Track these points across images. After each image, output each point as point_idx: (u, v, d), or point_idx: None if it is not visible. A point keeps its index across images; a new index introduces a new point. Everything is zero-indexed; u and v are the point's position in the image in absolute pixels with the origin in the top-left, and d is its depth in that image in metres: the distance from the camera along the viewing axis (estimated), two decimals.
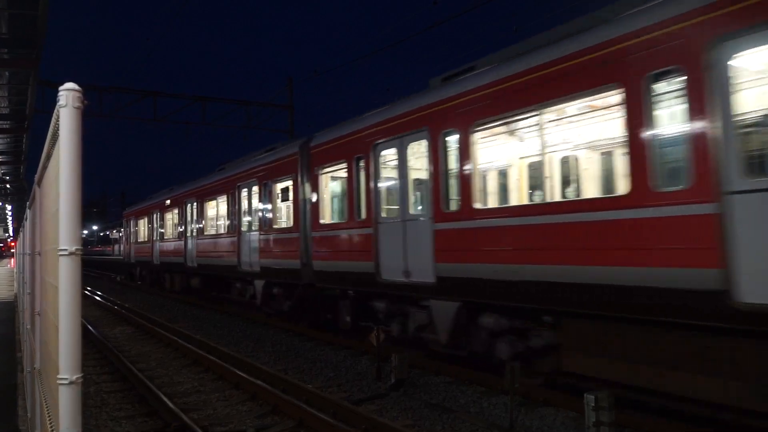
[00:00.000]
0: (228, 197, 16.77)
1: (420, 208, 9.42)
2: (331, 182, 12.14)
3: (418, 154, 9.40)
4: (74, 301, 1.82)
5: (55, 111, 2.10)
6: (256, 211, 14.81)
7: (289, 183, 13.17)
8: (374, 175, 10.05)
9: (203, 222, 19.13)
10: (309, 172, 12.28)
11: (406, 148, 9.38)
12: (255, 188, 14.88)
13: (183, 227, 20.99)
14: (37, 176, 3.91)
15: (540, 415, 6.97)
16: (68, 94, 1.95)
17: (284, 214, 14.28)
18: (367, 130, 10.32)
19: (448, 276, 8.28)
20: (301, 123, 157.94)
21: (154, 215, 25.46)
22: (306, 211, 12.36)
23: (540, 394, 7.50)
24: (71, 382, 1.79)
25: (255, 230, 14.76)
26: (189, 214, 20.58)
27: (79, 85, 2.00)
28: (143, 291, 27.69)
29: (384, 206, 10.08)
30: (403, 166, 9.45)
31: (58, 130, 2.10)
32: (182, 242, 20.92)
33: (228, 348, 11.40)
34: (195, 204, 19.92)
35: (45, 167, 3.22)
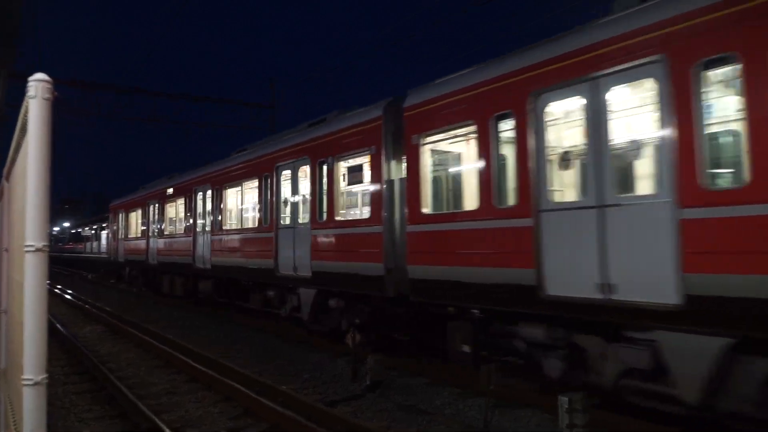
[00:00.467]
0: (260, 182, 13.30)
1: (647, 186, 6.49)
2: (441, 156, 9.17)
3: (637, 98, 6.67)
4: (40, 299, 1.76)
5: (24, 102, 2.04)
6: (307, 198, 11.47)
7: (364, 159, 10.09)
8: (535, 138, 6.96)
9: (221, 214, 15.70)
10: (400, 143, 9.20)
11: (603, 94, 6.32)
12: (305, 168, 11.56)
13: (191, 221, 17.54)
14: (5, 170, 3.80)
15: (515, 417, 7.01)
16: (37, 84, 1.90)
17: (355, 201, 11.49)
18: (519, 74, 7.20)
19: (712, 294, 5.12)
20: (301, 123, 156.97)
21: (151, 207, 21.73)
22: (395, 197, 9.33)
23: (515, 396, 7.53)
24: (36, 383, 1.74)
25: (304, 223, 11.49)
26: (200, 205, 17.06)
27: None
28: (118, 290, 27.18)
29: (551, 187, 7.04)
30: (597, 120, 6.34)
31: (27, 122, 2.03)
32: (190, 238, 17.50)
33: (203, 349, 11.24)
34: (210, 192, 16.35)
35: (14, 161, 3.13)
